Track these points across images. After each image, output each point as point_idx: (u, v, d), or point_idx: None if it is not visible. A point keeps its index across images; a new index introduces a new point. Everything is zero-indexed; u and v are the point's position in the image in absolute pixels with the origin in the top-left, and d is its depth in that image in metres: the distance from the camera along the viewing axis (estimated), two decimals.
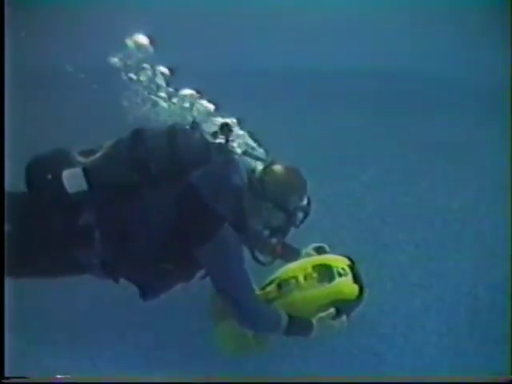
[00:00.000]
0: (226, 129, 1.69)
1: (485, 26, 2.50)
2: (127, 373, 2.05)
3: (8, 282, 1.61)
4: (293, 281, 1.82)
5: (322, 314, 1.75)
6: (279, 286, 1.84)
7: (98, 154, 1.67)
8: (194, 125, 1.75)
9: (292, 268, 1.87)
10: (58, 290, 2.06)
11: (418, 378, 1.61)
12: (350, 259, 1.88)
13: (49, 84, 2.55)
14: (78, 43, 2.52)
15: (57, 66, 2.45)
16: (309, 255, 1.96)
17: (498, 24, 2.48)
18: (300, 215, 1.74)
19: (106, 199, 1.65)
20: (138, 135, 1.68)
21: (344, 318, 1.79)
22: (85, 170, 1.64)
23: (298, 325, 1.74)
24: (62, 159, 1.68)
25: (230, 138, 1.70)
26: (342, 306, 1.78)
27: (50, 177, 1.64)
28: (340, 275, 1.79)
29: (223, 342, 1.91)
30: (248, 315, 1.69)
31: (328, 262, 1.84)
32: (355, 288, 1.79)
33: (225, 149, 1.69)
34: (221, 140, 1.70)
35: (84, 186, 1.63)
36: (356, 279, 1.80)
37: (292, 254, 1.96)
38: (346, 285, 1.79)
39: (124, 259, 1.68)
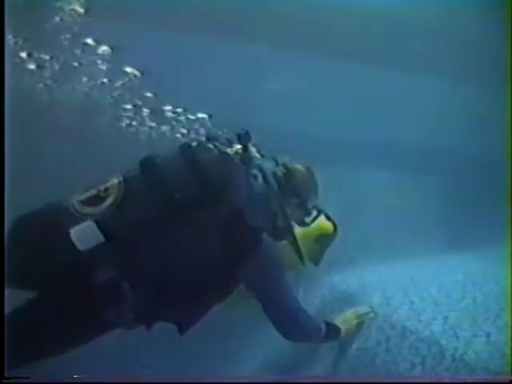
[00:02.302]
0: (244, 137, 1.53)
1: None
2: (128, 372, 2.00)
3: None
4: None
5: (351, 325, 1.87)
6: None
7: (108, 200, 1.41)
8: (209, 139, 1.54)
9: None
10: None
11: (417, 378, 1.66)
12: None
13: None
14: None
15: None
16: None
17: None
18: (314, 213, 1.77)
19: (130, 245, 1.41)
20: (148, 165, 1.45)
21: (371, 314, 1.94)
22: (98, 222, 1.37)
23: (332, 331, 1.76)
24: (58, 214, 1.40)
25: (248, 145, 1.55)
26: (323, 242, 2.07)
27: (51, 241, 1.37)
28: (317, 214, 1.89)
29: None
30: (298, 327, 1.63)
31: None
32: (330, 224, 2.01)
33: (247, 158, 1.55)
34: (238, 150, 1.54)
35: (100, 238, 1.38)
36: (328, 218, 1.97)
37: None
38: (323, 222, 1.97)
39: (162, 302, 1.49)
